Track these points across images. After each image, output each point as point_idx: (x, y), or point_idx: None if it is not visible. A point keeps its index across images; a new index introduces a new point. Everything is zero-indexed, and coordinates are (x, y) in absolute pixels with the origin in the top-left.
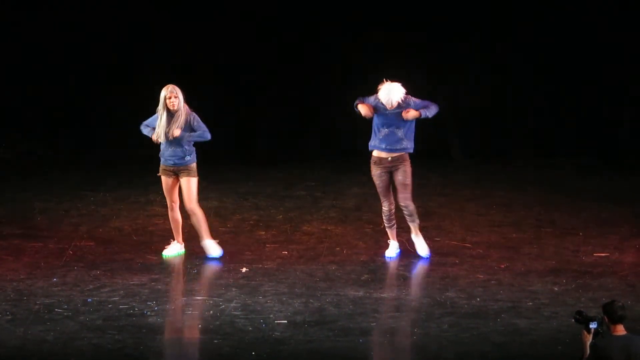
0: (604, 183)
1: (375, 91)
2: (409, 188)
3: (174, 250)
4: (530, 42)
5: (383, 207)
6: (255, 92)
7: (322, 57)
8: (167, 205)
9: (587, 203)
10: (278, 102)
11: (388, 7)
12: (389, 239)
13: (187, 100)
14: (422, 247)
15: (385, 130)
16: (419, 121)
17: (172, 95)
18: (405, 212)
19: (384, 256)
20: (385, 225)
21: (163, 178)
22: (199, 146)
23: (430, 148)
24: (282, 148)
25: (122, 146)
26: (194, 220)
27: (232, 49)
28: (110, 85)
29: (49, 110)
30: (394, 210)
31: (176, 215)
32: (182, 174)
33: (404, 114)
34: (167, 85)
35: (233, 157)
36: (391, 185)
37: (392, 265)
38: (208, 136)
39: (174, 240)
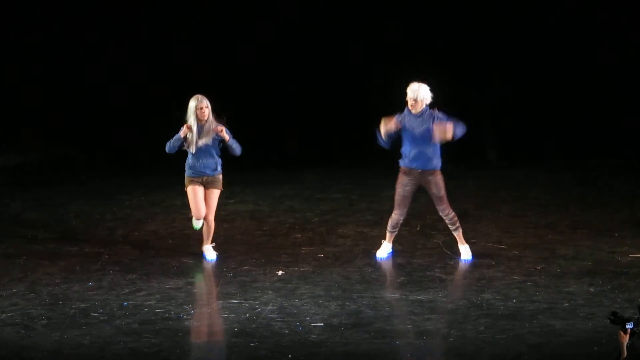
0: (639, 184)
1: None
2: (444, 199)
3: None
4: (557, 42)
5: (393, 215)
6: (293, 94)
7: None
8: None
9: (623, 204)
10: (315, 104)
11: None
12: (384, 239)
13: (215, 109)
14: (465, 253)
15: (414, 151)
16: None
17: (202, 106)
18: (447, 221)
19: (375, 256)
20: (388, 229)
21: (190, 188)
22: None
23: (466, 150)
24: (317, 150)
25: (157, 149)
26: (205, 227)
27: (263, 50)
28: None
29: (86, 113)
30: (401, 222)
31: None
32: (209, 185)
33: (435, 128)
34: (196, 96)
35: (269, 160)
36: (411, 199)
37: (428, 267)
38: (239, 150)
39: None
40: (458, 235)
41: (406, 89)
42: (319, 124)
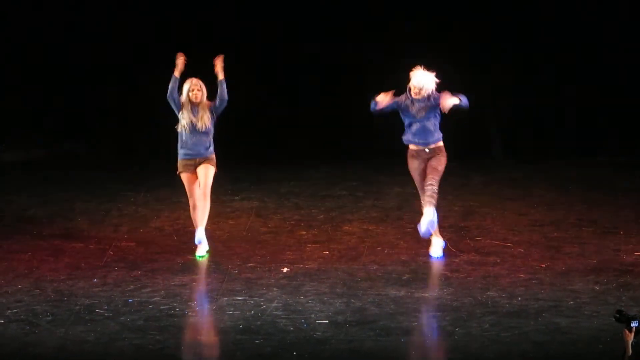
0: None
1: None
2: (439, 173)
3: (204, 248)
4: (567, 41)
5: (422, 200)
6: (296, 91)
7: (361, 57)
8: (190, 205)
9: (628, 201)
10: (318, 101)
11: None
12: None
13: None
14: (436, 248)
15: (416, 125)
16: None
17: (195, 88)
18: (428, 192)
19: (430, 256)
20: None
21: (184, 175)
22: (237, 146)
23: (471, 147)
24: (323, 148)
25: (162, 146)
26: (201, 204)
27: (268, 47)
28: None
29: (90, 110)
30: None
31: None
32: (202, 163)
33: (442, 102)
34: (191, 79)
35: (274, 157)
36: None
37: (434, 264)
38: (227, 94)
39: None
40: (431, 203)
41: (409, 74)
42: (322, 121)
